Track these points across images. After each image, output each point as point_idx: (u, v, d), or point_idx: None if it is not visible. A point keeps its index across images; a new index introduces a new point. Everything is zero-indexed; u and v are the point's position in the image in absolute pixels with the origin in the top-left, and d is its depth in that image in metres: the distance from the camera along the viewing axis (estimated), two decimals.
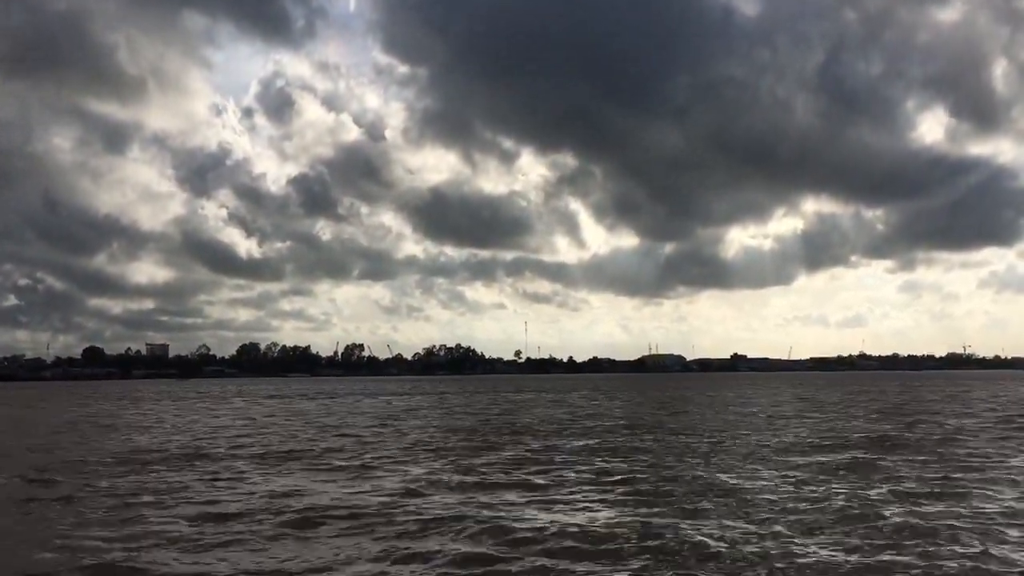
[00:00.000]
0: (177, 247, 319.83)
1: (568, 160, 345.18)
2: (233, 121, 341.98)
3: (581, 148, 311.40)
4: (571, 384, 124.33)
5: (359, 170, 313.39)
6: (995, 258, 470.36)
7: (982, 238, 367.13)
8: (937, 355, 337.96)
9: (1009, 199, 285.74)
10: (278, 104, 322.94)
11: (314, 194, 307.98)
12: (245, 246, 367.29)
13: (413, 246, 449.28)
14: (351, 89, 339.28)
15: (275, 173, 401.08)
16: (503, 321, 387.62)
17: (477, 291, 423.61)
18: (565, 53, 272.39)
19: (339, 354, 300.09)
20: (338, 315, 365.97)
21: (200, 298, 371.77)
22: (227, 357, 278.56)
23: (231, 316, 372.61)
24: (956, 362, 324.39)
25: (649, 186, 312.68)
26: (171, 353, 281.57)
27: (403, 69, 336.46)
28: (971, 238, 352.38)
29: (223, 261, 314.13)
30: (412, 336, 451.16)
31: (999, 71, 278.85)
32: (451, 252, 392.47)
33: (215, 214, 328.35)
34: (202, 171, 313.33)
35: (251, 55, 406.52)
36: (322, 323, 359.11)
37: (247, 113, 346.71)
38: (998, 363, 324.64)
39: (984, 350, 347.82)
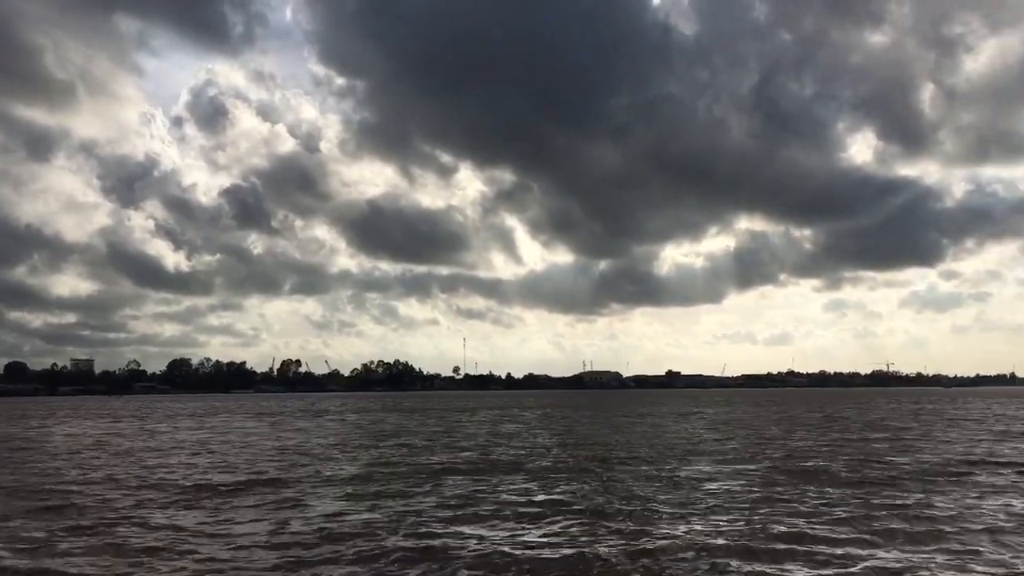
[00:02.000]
0: (102, 259, 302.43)
1: (506, 176, 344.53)
2: (163, 130, 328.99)
3: (520, 164, 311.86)
4: (512, 401, 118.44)
5: (294, 182, 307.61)
6: (917, 278, 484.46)
7: (906, 258, 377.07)
8: (862, 372, 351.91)
9: (933, 220, 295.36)
10: (211, 113, 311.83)
11: (247, 206, 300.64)
12: (173, 259, 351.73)
13: (347, 260, 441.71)
14: (287, 100, 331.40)
15: (206, 184, 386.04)
16: (435, 337, 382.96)
17: (411, 307, 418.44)
18: (506, 69, 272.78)
19: (275, 370, 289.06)
20: (268, 330, 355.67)
21: (125, 312, 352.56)
22: (157, 373, 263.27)
23: (156, 331, 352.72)
24: (881, 379, 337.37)
25: (586, 203, 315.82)
26: (96, 368, 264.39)
27: (340, 81, 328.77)
28: (895, 258, 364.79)
29: (150, 274, 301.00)
30: (344, 352, 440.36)
31: (926, 95, 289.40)
32: (385, 267, 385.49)
33: (142, 225, 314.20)
34: (130, 181, 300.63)
35: (185, 62, 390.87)
36: (251, 338, 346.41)
37: (178, 122, 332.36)
38: (920, 380, 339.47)
39: (905, 367, 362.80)
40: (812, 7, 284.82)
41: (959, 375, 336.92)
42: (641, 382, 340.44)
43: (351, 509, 15.96)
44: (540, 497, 17.12)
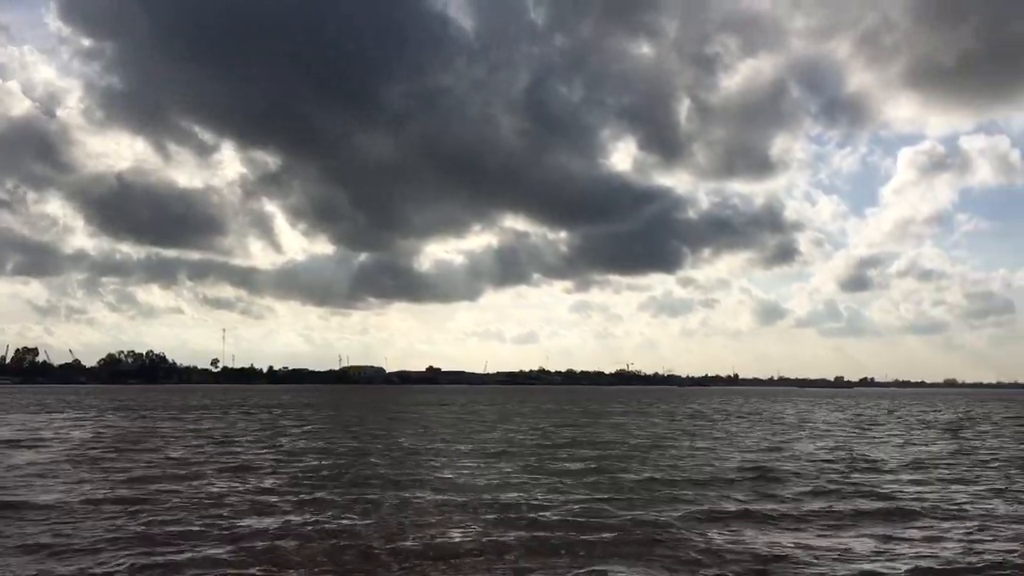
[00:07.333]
0: None
1: (270, 158, 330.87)
2: None
3: (286, 147, 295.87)
4: (274, 399, 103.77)
5: (27, 149, 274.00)
6: (657, 283, 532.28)
7: (650, 264, 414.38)
8: (606, 371, 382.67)
9: (679, 229, 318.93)
10: None
11: None
12: None
13: (84, 240, 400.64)
14: (21, 56, 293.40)
15: None
16: (177, 327, 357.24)
17: (152, 294, 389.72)
18: (279, 44, 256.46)
19: (8, 359, 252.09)
20: None
21: None
22: None
23: None
24: (625, 378, 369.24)
25: (353, 193, 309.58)
26: None
27: (86, 41, 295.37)
28: (641, 263, 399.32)
29: None
30: (70, 340, 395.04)
31: (684, 108, 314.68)
32: (128, 249, 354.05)
33: None
34: None
35: None
36: None
37: None
38: (657, 379, 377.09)
39: (642, 367, 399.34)
40: (590, 12, 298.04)
41: (690, 375, 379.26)
42: (405, 378, 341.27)
43: None
44: None
